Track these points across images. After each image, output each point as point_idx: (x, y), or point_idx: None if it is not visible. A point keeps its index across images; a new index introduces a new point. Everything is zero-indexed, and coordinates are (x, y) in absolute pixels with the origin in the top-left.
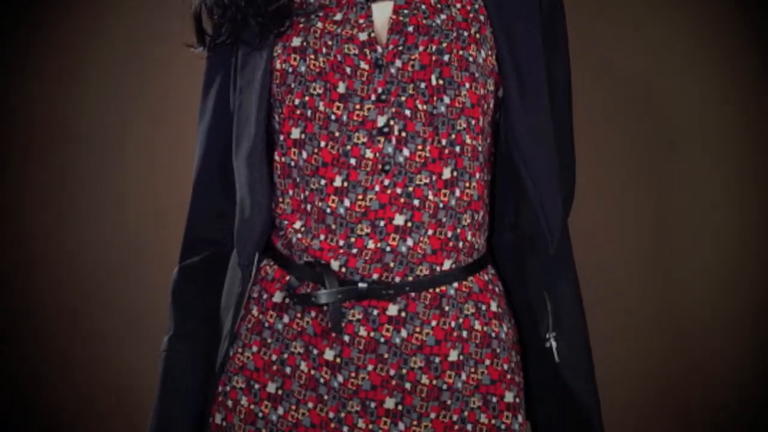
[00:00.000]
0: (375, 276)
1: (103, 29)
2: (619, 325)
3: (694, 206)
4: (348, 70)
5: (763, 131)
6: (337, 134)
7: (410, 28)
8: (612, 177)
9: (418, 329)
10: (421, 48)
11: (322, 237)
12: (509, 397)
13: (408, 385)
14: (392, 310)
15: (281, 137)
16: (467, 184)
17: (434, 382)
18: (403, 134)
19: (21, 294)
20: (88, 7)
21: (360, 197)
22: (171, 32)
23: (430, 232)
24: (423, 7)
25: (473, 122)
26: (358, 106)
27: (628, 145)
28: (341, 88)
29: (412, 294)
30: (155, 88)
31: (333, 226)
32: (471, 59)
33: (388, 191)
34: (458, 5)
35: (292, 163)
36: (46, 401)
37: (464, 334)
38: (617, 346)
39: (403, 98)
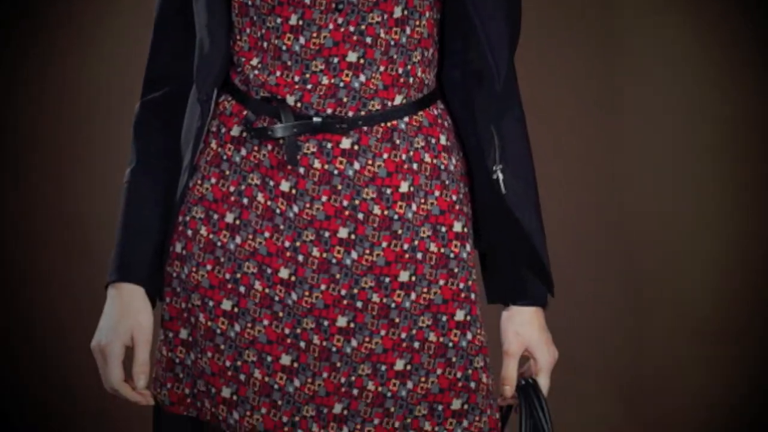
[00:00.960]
0: (329, 111)
1: (106, 27)
2: (617, 324)
3: (693, 204)
4: None
5: (763, 131)
6: None
7: None
8: (612, 175)
9: (370, 161)
10: None
11: (278, 73)
12: (458, 226)
13: (360, 216)
14: (345, 143)
15: None
16: (417, 23)
17: (386, 212)
18: None
19: (23, 294)
20: (88, 4)
21: (314, 35)
22: None
23: (381, 68)
24: None
25: None
26: None
27: (627, 145)
28: None
29: (365, 128)
30: None
31: (288, 63)
32: None
33: (342, 29)
34: None
35: (249, 2)
36: (47, 401)
37: (414, 166)
38: (616, 346)
39: None
